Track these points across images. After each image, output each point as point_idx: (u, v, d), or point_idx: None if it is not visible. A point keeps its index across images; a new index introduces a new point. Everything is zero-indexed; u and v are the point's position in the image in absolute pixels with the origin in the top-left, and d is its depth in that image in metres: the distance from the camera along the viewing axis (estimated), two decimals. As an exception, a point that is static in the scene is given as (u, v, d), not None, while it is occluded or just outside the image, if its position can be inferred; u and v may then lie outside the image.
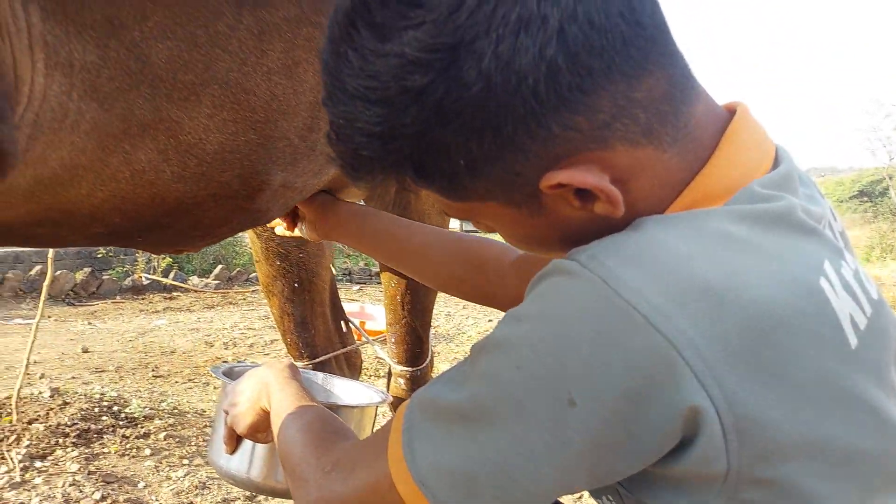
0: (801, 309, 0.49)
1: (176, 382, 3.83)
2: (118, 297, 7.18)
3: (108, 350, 4.59)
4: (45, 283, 2.82)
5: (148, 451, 2.70)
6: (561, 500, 0.65)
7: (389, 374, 2.13)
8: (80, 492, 2.32)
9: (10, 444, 2.62)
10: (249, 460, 1.05)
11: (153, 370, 4.07)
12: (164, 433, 2.89)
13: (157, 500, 2.34)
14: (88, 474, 2.45)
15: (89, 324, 5.66)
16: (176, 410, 3.23)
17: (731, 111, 0.60)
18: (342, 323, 2.10)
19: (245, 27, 0.84)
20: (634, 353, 0.48)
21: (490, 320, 5.63)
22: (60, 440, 2.69)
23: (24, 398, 2.99)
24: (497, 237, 0.79)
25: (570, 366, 0.49)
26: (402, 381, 2.08)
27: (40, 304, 2.91)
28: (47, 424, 2.79)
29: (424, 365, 2.08)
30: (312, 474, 0.66)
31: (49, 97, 0.70)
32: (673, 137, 0.54)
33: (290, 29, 0.90)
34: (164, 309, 6.64)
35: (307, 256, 1.82)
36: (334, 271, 2.19)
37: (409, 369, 2.05)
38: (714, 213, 0.53)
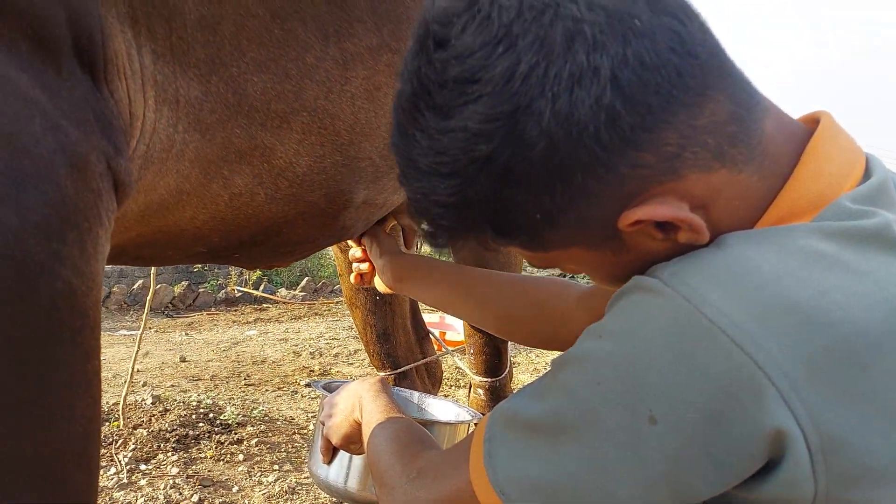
0: (894, 330, 0.48)
1: (266, 391, 3.99)
2: (213, 309, 7.53)
3: (203, 359, 4.82)
4: (149, 297, 3.00)
5: (241, 457, 2.83)
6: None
7: (470, 384, 2.15)
8: (180, 494, 2.46)
9: (118, 448, 2.81)
10: (346, 471, 1.09)
11: (245, 379, 4.25)
12: (256, 439, 3.01)
13: (249, 503, 2.45)
14: (187, 478, 2.59)
15: (186, 334, 5.97)
16: (267, 418, 3.36)
17: (810, 122, 0.59)
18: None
19: (331, 57, 0.89)
20: (717, 373, 0.47)
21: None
22: (162, 445, 2.86)
23: (129, 405, 3.20)
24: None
25: (650, 383, 0.49)
26: (481, 391, 2.09)
27: (144, 317, 3.10)
28: (150, 430, 2.97)
29: (504, 375, 2.10)
30: (398, 481, 0.69)
31: (158, 130, 0.76)
32: (747, 157, 0.53)
33: (372, 56, 0.95)
34: (254, 320, 6.92)
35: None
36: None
37: (489, 380, 2.07)
38: (800, 230, 0.52)
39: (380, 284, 1.20)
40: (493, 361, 2.06)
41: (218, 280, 8.41)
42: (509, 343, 2.12)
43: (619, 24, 0.49)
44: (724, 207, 0.54)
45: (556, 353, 0.61)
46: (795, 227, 0.52)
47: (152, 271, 3.04)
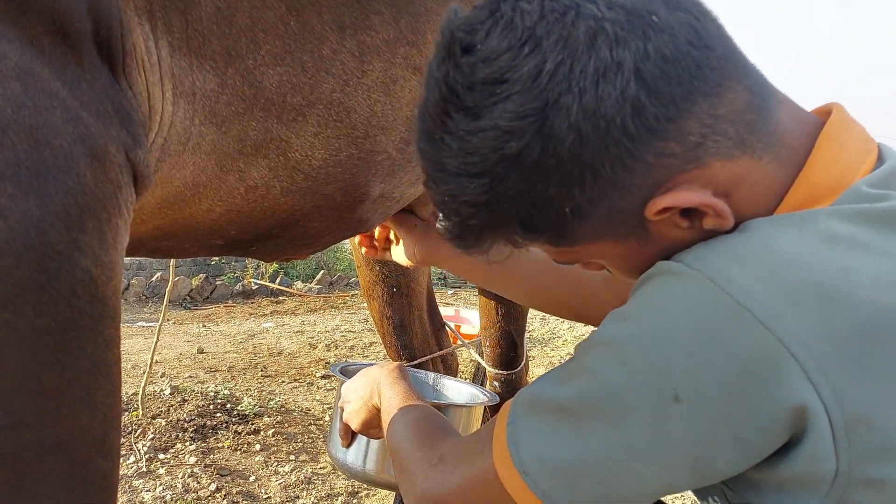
0: None
1: (283, 382, 4.02)
2: (230, 301, 7.60)
3: (221, 351, 4.87)
4: (168, 289, 3.03)
5: (258, 447, 2.86)
6: (664, 500, 0.65)
7: (483, 376, 2.16)
8: (198, 483, 2.49)
9: (137, 437, 2.85)
10: (364, 454, 1.11)
11: (262, 370, 4.28)
12: (273, 430, 3.04)
13: (266, 493, 2.48)
14: (205, 467, 2.62)
15: (204, 326, 6.03)
16: (283, 409, 3.39)
17: (823, 114, 0.60)
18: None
19: (347, 50, 0.89)
20: (742, 351, 0.48)
21: (585, 324, 5.54)
22: (180, 434, 2.89)
23: (148, 395, 3.24)
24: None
25: (675, 363, 0.50)
26: (496, 384, 2.10)
27: (163, 308, 3.14)
28: (168, 420, 3.01)
29: (519, 368, 2.10)
30: (419, 467, 0.70)
31: (175, 123, 0.77)
32: (765, 144, 0.55)
33: (389, 49, 0.95)
34: (271, 312, 6.97)
35: (405, 262, 1.88)
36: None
37: (504, 372, 2.08)
38: (821, 214, 0.53)
39: (401, 258, 1.21)
40: (510, 354, 2.06)
41: (235, 273, 8.47)
42: (525, 337, 2.13)
43: (638, 20, 0.51)
44: (746, 194, 0.55)
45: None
46: (816, 212, 0.53)
47: (171, 264, 3.07)
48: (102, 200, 0.58)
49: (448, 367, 2.15)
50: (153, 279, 7.60)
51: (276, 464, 2.72)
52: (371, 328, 5.63)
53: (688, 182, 0.54)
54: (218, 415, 3.12)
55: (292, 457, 2.79)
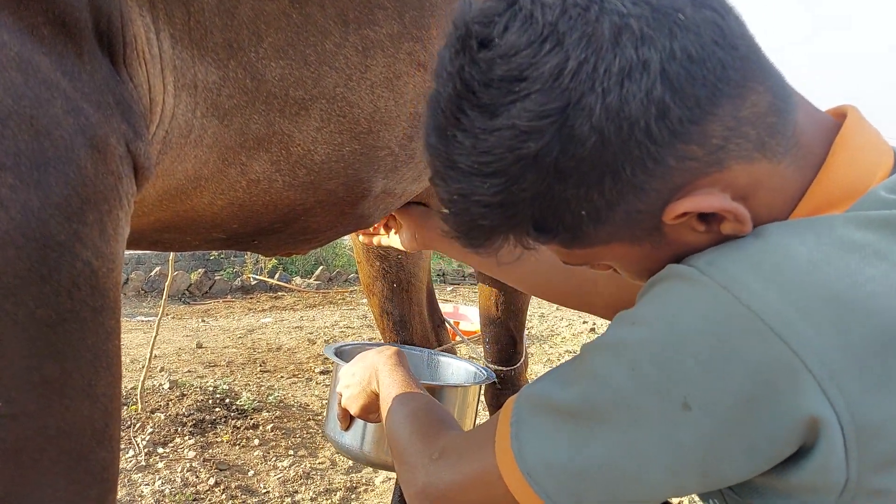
0: None
1: (281, 377, 4.02)
2: (229, 297, 7.60)
3: (220, 346, 4.87)
4: (167, 284, 3.03)
5: (256, 442, 2.86)
6: (670, 501, 0.65)
7: (484, 374, 2.15)
8: (197, 477, 2.49)
9: (136, 431, 2.85)
10: (362, 437, 1.13)
11: (261, 365, 4.29)
12: (271, 425, 3.04)
13: (264, 487, 2.48)
14: (204, 461, 2.62)
15: (203, 321, 6.03)
16: (282, 404, 3.39)
17: (837, 116, 0.59)
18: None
19: (350, 44, 0.89)
20: (755, 360, 0.48)
21: (584, 322, 5.55)
22: (179, 429, 2.89)
23: (147, 389, 3.24)
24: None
25: (685, 370, 0.50)
26: (495, 380, 2.10)
27: (163, 303, 3.14)
28: (167, 414, 3.01)
29: (518, 365, 2.10)
30: (420, 460, 0.70)
31: (177, 115, 0.77)
32: (784, 147, 0.54)
33: (393, 44, 0.94)
34: (270, 308, 6.97)
35: (406, 258, 1.88)
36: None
37: (503, 369, 2.08)
38: (837, 220, 0.52)
39: (399, 243, 1.21)
40: (509, 351, 2.06)
41: (234, 268, 8.47)
42: (524, 334, 2.13)
43: (664, 18, 0.49)
44: (764, 198, 0.54)
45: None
46: (832, 217, 0.52)
47: (170, 258, 3.07)
48: (103, 192, 0.58)
49: (447, 363, 2.15)
50: (152, 274, 7.60)
51: (274, 458, 2.72)
52: (370, 324, 5.64)
53: (707, 186, 0.53)
54: (217, 409, 3.12)
55: (291, 452, 2.79)
